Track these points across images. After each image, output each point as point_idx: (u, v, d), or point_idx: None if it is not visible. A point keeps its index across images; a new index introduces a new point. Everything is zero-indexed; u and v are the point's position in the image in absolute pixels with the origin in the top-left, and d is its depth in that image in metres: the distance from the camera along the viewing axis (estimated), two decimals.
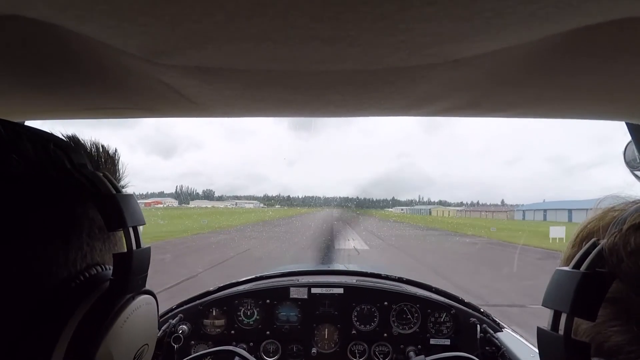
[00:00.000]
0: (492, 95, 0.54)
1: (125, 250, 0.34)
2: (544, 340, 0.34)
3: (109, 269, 0.35)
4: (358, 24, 0.33)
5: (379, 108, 0.60)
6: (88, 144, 0.38)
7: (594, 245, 0.34)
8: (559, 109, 0.58)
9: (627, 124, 0.66)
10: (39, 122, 0.70)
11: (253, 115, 0.66)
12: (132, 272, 0.33)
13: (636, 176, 0.68)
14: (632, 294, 0.32)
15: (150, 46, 0.38)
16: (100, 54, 0.42)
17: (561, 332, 0.32)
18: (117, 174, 0.40)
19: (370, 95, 0.53)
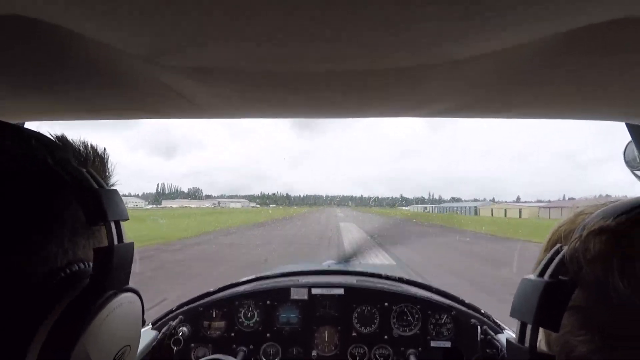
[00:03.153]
0: (492, 95, 0.54)
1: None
2: (511, 352, 0.34)
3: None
4: (358, 24, 0.33)
5: (380, 109, 0.60)
6: (77, 143, 0.38)
7: (557, 252, 0.34)
8: (558, 109, 0.58)
9: (627, 124, 0.67)
10: (37, 123, 0.70)
11: (253, 116, 0.66)
12: (113, 267, 0.32)
13: (636, 176, 0.68)
14: (592, 302, 0.32)
15: (150, 46, 0.38)
16: (100, 54, 0.42)
17: (527, 344, 0.32)
18: (107, 173, 0.40)
19: (371, 96, 0.53)
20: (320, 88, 0.50)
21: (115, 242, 0.33)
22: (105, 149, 0.40)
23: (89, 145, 0.38)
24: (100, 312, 0.31)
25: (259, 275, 1.59)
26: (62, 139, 0.37)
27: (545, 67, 0.44)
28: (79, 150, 0.37)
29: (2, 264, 0.28)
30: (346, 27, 0.33)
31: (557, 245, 0.35)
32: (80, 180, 0.33)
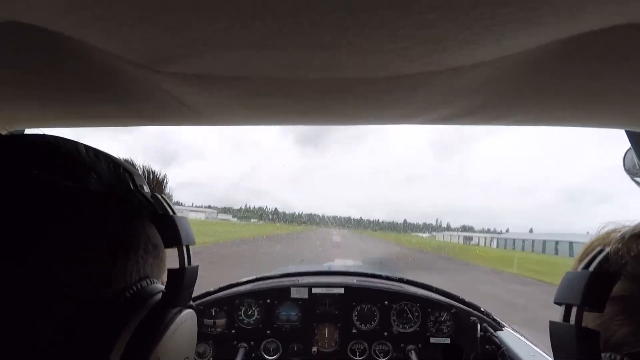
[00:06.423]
0: (492, 103, 0.54)
1: (173, 267, 0.36)
2: (555, 331, 0.37)
3: (156, 282, 0.38)
4: (358, 31, 0.33)
5: (379, 116, 0.60)
6: (140, 169, 0.41)
7: (600, 251, 0.38)
8: (558, 116, 0.58)
9: (626, 131, 0.66)
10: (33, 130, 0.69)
11: (253, 123, 0.66)
12: (183, 287, 0.35)
13: (636, 182, 0.68)
14: (635, 291, 0.36)
15: (151, 53, 0.38)
16: (101, 60, 0.42)
17: (572, 322, 0.35)
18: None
19: (371, 103, 0.53)
20: (320, 95, 0.50)
21: (185, 264, 0.36)
22: (165, 175, 0.44)
23: (152, 172, 0.42)
24: (171, 326, 0.34)
25: (259, 275, 1.61)
26: (132, 164, 0.40)
27: (545, 74, 0.44)
28: (144, 175, 0.41)
29: (89, 277, 0.31)
30: (346, 34, 0.33)
31: (599, 247, 0.39)
32: (157, 206, 0.36)
